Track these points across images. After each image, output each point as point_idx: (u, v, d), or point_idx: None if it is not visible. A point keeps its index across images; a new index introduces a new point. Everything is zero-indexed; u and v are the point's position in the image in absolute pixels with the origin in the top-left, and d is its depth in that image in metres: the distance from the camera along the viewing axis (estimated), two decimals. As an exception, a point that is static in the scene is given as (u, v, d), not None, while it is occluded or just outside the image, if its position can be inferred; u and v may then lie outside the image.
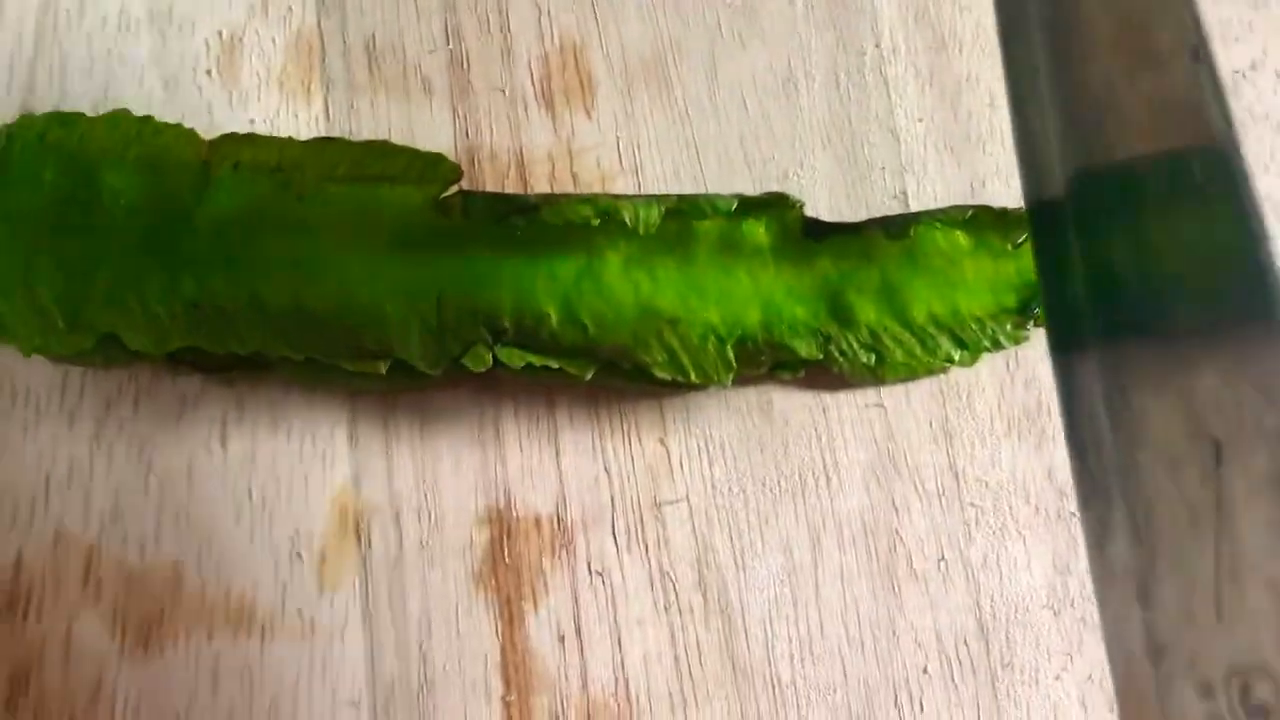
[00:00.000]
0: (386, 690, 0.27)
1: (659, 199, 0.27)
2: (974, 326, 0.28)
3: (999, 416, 0.30)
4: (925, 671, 0.28)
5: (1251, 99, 0.33)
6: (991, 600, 0.29)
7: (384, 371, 0.26)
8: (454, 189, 0.27)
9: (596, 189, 0.30)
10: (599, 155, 0.30)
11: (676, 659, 0.28)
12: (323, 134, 0.29)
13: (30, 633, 0.26)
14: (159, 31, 0.29)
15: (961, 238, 0.28)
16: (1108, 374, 0.20)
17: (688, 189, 0.30)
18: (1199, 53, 0.20)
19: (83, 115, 0.27)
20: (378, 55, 0.30)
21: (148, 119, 0.27)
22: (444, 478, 0.28)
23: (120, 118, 0.27)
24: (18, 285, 0.26)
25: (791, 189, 0.30)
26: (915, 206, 0.31)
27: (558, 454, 0.28)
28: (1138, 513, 0.19)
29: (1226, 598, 0.18)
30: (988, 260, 0.28)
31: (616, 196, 0.27)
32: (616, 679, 0.27)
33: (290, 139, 0.27)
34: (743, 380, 0.29)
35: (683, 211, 0.27)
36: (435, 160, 0.27)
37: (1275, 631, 0.17)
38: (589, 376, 0.27)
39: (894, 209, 0.31)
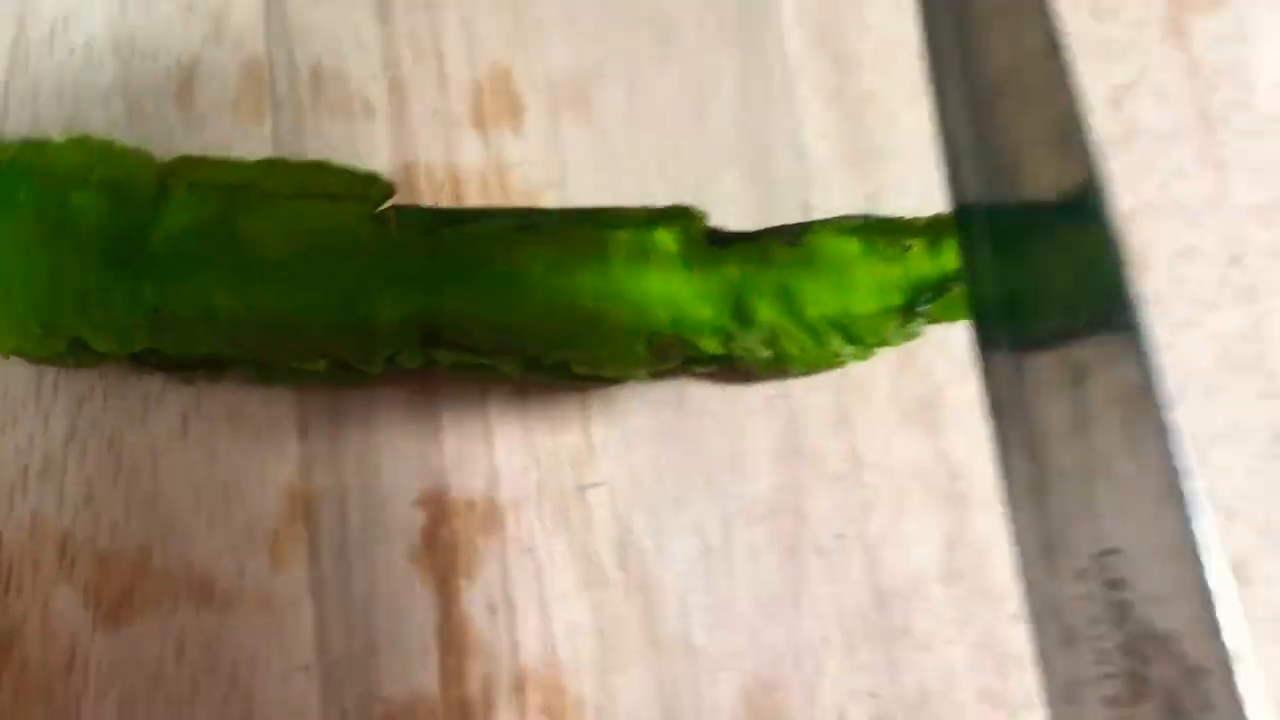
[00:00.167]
0: (334, 657, 0.29)
1: (572, 211, 0.30)
2: (863, 325, 0.31)
3: (895, 406, 0.33)
4: (826, 640, 0.31)
5: (1132, 112, 0.36)
6: (888, 573, 0.32)
7: (323, 370, 0.29)
8: (388, 204, 0.30)
9: (525, 202, 0.33)
10: (526, 171, 0.33)
11: (599, 628, 0.31)
12: (272, 153, 0.32)
13: (11, 608, 0.29)
14: (123, 60, 0.32)
15: (852, 244, 0.31)
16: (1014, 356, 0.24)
17: (608, 201, 0.33)
18: (1056, 49, 0.23)
19: (51, 140, 0.29)
20: (322, 81, 0.33)
21: (110, 143, 0.29)
22: (385, 465, 0.31)
23: (85, 142, 0.29)
24: (-3, 295, 0.29)
25: (703, 201, 0.33)
26: (818, 217, 0.34)
27: (490, 443, 0.31)
28: (1029, 430, 0.23)
29: (1089, 494, 0.21)
30: (878, 264, 0.31)
31: (536, 209, 0.30)
32: (544, 646, 0.30)
33: (239, 160, 0.30)
34: (659, 374, 0.32)
35: (596, 222, 0.30)
36: (371, 178, 0.30)
37: (1120, 518, 0.20)
38: (514, 373, 0.30)
39: (799, 219, 0.34)
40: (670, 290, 0.31)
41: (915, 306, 0.31)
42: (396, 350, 0.29)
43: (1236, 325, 0.34)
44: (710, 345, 0.30)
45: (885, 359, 0.33)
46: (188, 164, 0.30)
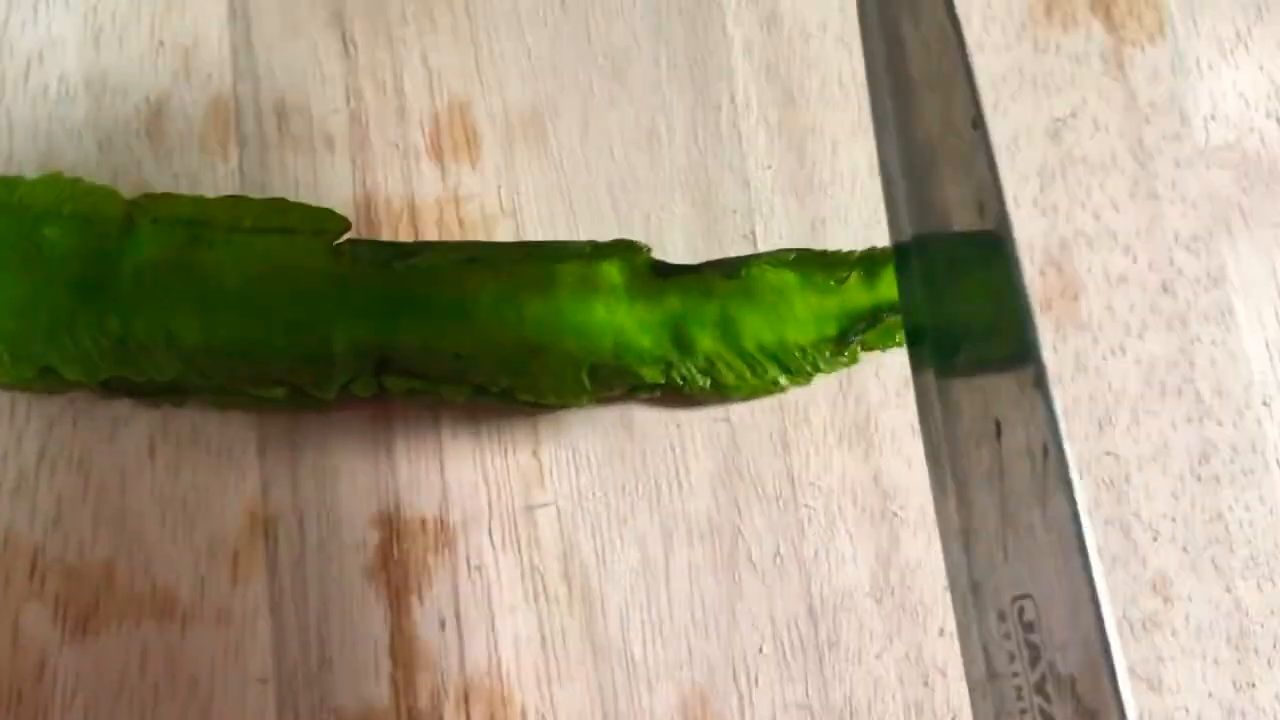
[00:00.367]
0: (290, 670, 0.31)
1: (520, 245, 0.32)
2: (798, 354, 0.33)
3: (831, 429, 0.34)
4: (761, 651, 0.33)
5: (1071, 143, 0.37)
6: (821, 589, 0.33)
7: (281, 397, 0.30)
8: (344, 238, 0.31)
9: (480, 233, 0.34)
10: (482, 202, 0.34)
11: (543, 641, 0.32)
12: (238, 185, 0.33)
13: (-17, 621, 0.31)
14: (94, 97, 0.33)
15: (789, 276, 0.33)
16: (941, 383, 0.26)
17: (561, 231, 0.34)
18: (977, 122, 0.25)
19: (23, 178, 0.31)
20: (286, 116, 0.34)
21: (78, 180, 0.31)
22: (341, 486, 0.32)
23: (55, 179, 0.31)
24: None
25: (653, 231, 0.35)
26: (763, 246, 0.35)
27: (442, 464, 0.33)
28: (959, 478, 0.25)
29: (1007, 541, 0.23)
30: (813, 295, 0.33)
31: (485, 243, 0.32)
32: (490, 659, 0.32)
33: (201, 196, 0.31)
34: (606, 399, 0.33)
35: (543, 255, 0.32)
36: (327, 214, 0.31)
37: (1031, 566, 0.22)
38: (463, 399, 0.31)
39: (744, 248, 0.35)
40: (614, 321, 0.32)
41: (850, 336, 0.33)
42: (350, 378, 0.31)
43: (1165, 351, 0.36)
44: (651, 374, 0.32)
45: (824, 384, 0.34)
46: (152, 200, 0.31)
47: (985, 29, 0.37)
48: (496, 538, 0.32)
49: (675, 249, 0.35)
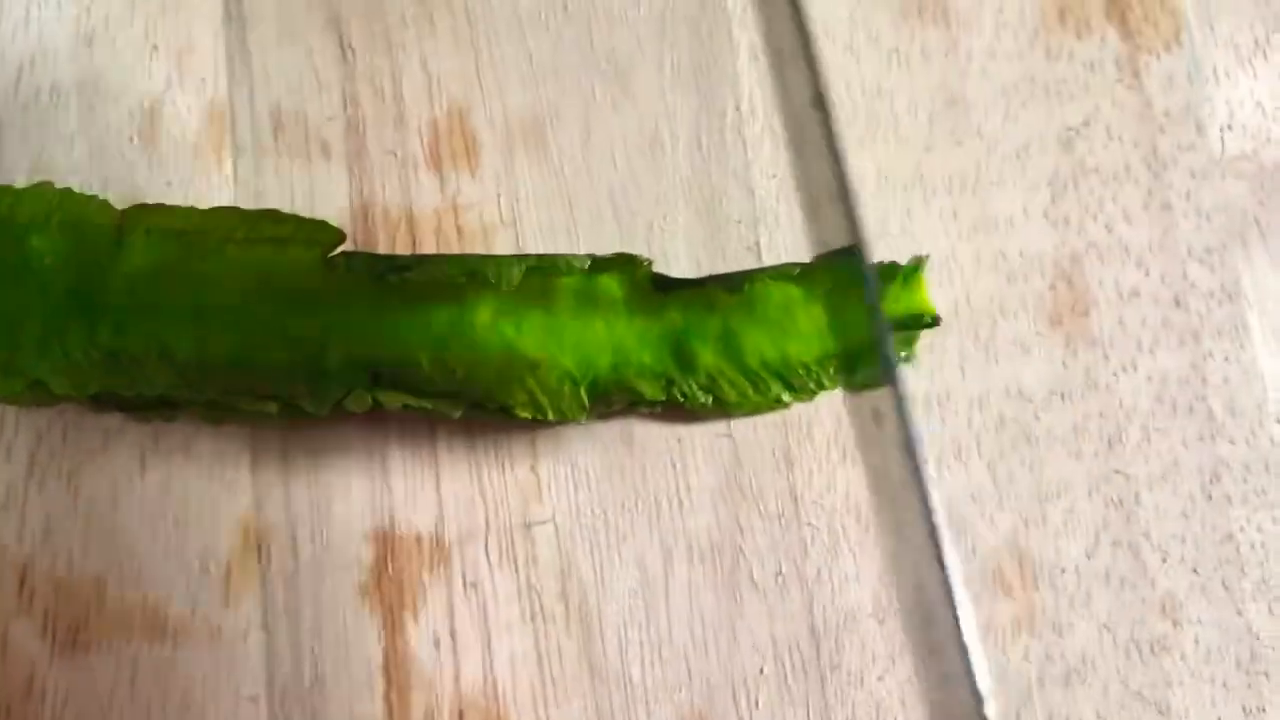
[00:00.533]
0: (282, 688, 0.31)
1: (520, 259, 0.31)
2: (801, 371, 0.32)
3: (835, 445, 0.34)
4: (762, 672, 0.32)
5: (1084, 152, 0.37)
6: (823, 610, 0.33)
7: (275, 412, 0.30)
8: (338, 250, 0.31)
9: (479, 242, 0.33)
10: (482, 211, 0.34)
11: (540, 661, 0.32)
12: (233, 193, 0.33)
13: (-30, 638, 0.30)
14: (87, 103, 0.33)
15: (793, 290, 0.32)
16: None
17: (561, 241, 0.34)
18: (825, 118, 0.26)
19: (12, 187, 0.30)
20: (282, 122, 0.33)
21: (68, 190, 0.30)
22: (335, 502, 0.32)
23: (44, 190, 0.30)
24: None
25: (655, 241, 0.34)
26: (767, 256, 0.34)
27: (438, 480, 0.32)
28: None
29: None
30: (817, 310, 0.32)
31: (482, 257, 0.31)
32: (486, 679, 0.31)
33: (193, 208, 0.31)
34: (607, 414, 0.33)
35: (542, 269, 0.31)
36: (321, 225, 0.31)
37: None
38: (458, 415, 0.31)
39: (748, 259, 0.34)
40: (613, 336, 0.31)
41: (855, 353, 0.32)
42: (345, 393, 0.30)
43: (1177, 367, 0.35)
44: (652, 390, 0.31)
45: (828, 400, 0.34)
46: (144, 211, 0.30)
47: (997, 35, 0.37)
48: (493, 555, 0.32)
49: (678, 259, 0.34)
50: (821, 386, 0.32)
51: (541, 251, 0.33)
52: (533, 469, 0.33)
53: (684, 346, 0.32)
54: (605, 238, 0.34)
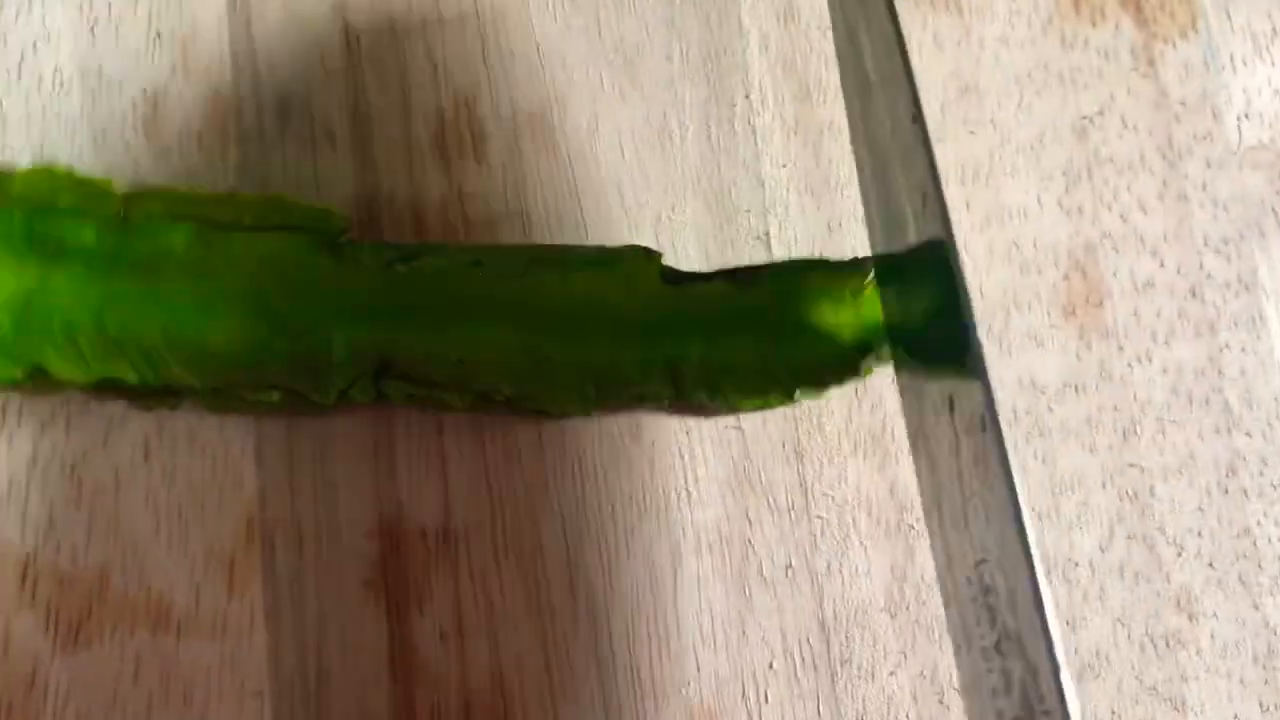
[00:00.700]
0: (287, 682, 0.30)
1: (529, 249, 0.30)
2: (813, 368, 0.31)
3: (846, 437, 0.33)
4: (771, 667, 0.32)
5: (1098, 142, 0.36)
6: (834, 604, 0.32)
7: (277, 400, 0.30)
8: (344, 237, 0.30)
9: (485, 232, 0.33)
10: (488, 201, 0.33)
11: (547, 655, 0.31)
12: (237, 182, 0.32)
13: (-28, 630, 0.30)
14: (89, 90, 0.32)
15: (804, 286, 0.32)
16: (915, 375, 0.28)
17: (569, 232, 0.33)
18: (916, 117, 0.25)
19: (15, 168, 0.30)
20: (287, 111, 0.33)
21: (72, 172, 0.30)
22: (340, 494, 0.31)
23: (49, 171, 0.30)
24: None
25: (663, 231, 0.34)
26: (776, 247, 0.34)
27: (444, 472, 0.32)
28: (928, 457, 0.27)
29: (966, 512, 0.25)
30: (829, 307, 0.32)
31: (490, 246, 0.31)
32: (492, 674, 0.31)
33: (199, 192, 0.30)
34: (614, 407, 0.32)
35: (548, 260, 0.31)
36: (327, 212, 0.30)
37: (983, 531, 0.24)
38: (465, 406, 0.30)
39: (758, 249, 0.34)
40: (621, 330, 0.31)
41: (865, 350, 0.31)
42: (350, 383, 0.30)
43: (1193, 359, 0.35)
44: (660, 385, 0.31)
45: (839, 391, 0.33)
46: (148, 195, 0.30)
47: (1010, 23, 0.36)
48: (499, 548, 0.32)
49: (687, 249, 0.34)
50: (834, 384, 0.32)
51: (549, 242, 0.33)
52: (539, 460, 0.32)
53: (693, 341, 0.31)
54: (613, 228, 0.34)
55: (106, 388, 0.30)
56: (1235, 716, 0.33)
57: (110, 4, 0.33)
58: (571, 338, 0.31)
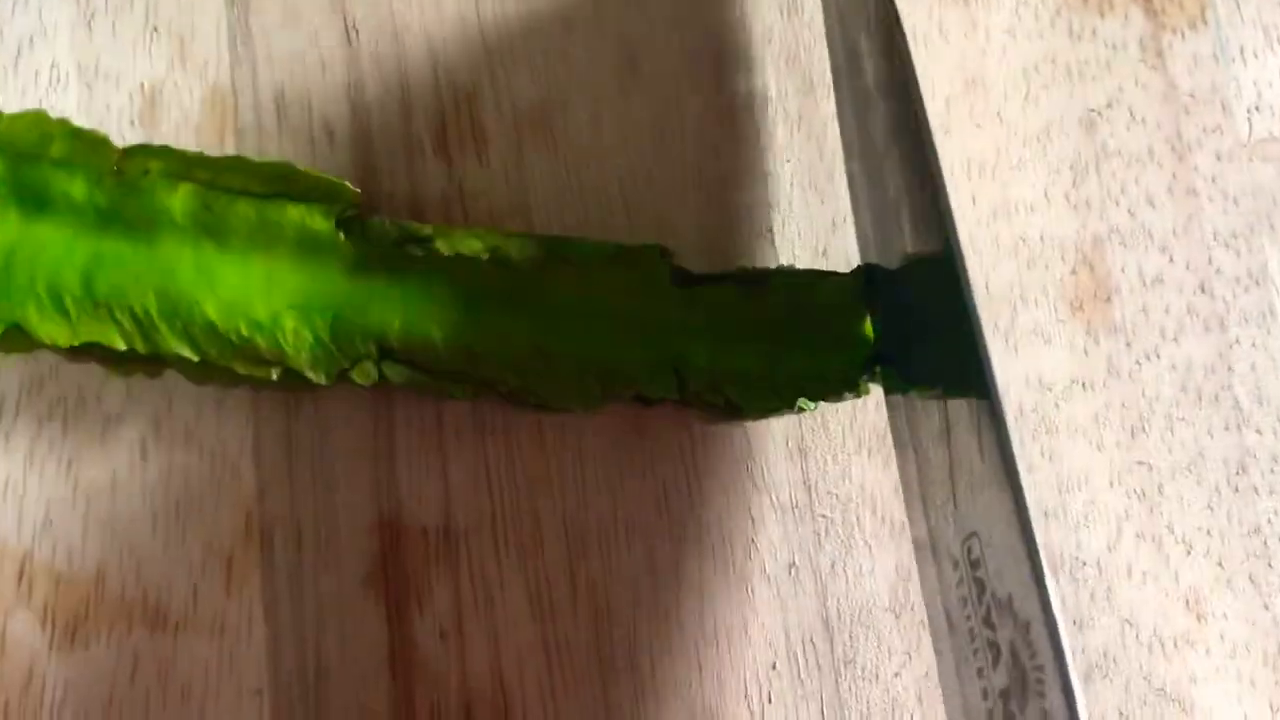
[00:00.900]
0: (286, 681, 0.30)
1: (546, 240, 0.30)
2: (819, 377, 0.31)
3: (850, 435, 0.33)
4: (774, 667, 0.31)
5: (1106, 135, 0.36)
6: (837, 603, 0.32)
7: (275, 378, 0.29)
8: (353, 214, 0.30)
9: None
10: (489, 198, 0.33)
11: (548, 654, 0.31)
12: (235, 178, 0.32)
13: (-31, 629, 0.30)
14: (86, 85, 0.32)
15: (814, 293, 0.31)
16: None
17: (571, 229, 0.33)
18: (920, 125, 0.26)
19: (3, 113, 0.29)
20: (285, 105, 0.33)
21: (65, 120, 0.29)
22: (339, 490, 0.31)
23: (40, 116, 0.29)
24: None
25: (666, 227, 0.33)
26: (780, 242, 0.34)
27: (445, 467, 0.32)
28: (915, 440, 0.28)
29: (955, 490, 0.25)
30: (838, 317, 0.31)
31: (507, 234, 0.30)
32: (493, 671, 0.31)
33: (201, 153, 0.30)
34: (616, 403, 0.32)
35: (565, 253, 0.30)
36: (337, 186, 0.30)
37: (974, 504, 0.24)
38: (466, 396, 0.30)
39: (762, 245, 0.34)
40: (628, 329, 0.31)
41: (872, 362, 0.31)
42: (351, 364, 0.29)
43: (1202, 355, 0.34)
44: (665, 386, 0.31)
45: (842, 389, 0.33)
46: (145, 153, 0.29)
47: (1017, 14, 0.36)
48: (500, 544, 0.31)
49: (689, 246, 0.33)
50: (839, 395, 0.31)
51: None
52: (541, 457, 0.32)
53: (698, 344, 0.31)
54: (615, 225, 0.33)
55: (83, 351, 0.29)
56: (1245, 718, 0.32)
57: (108, -2, 0.33)
58: (579, 333, 0.30)
